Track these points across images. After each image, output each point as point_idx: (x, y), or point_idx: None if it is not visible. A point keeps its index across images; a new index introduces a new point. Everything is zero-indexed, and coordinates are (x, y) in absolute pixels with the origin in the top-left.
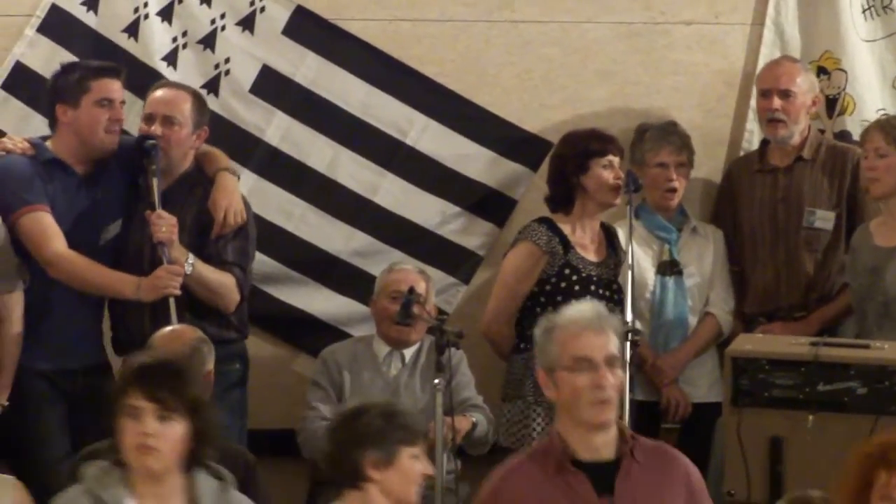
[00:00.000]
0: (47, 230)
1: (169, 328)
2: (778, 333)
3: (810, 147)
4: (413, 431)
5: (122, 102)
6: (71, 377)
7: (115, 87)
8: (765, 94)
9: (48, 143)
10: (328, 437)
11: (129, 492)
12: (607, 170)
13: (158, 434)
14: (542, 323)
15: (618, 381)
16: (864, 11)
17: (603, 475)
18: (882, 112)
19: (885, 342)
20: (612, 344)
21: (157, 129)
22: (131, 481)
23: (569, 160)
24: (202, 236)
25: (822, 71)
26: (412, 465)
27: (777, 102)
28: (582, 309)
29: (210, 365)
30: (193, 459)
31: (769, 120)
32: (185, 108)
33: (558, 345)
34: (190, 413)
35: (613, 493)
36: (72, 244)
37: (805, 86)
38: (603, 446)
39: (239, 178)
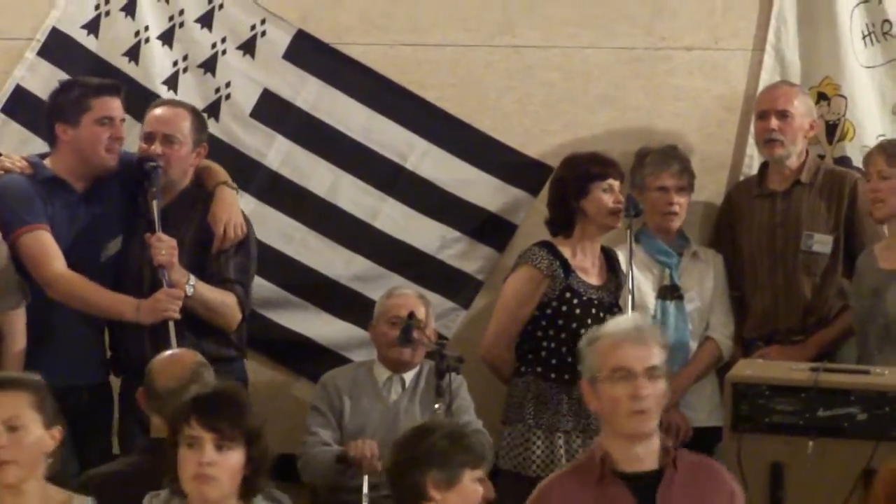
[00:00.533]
0: (47, 250)
1: (168, 352)
2: (775, 357)
3: (808, 171)
4: (477, 454)
5: (123, 120)
6: (76, 394)
7: (115, 105)
8: (762, 116)
9: (46, 161)
10: (393, 452)
11: None
12: (607, 193)
13: (216, 463)
14: (587, 335)
15: (658, 391)
16: (864, 38)
17: (644, 486)
18: (882, 137)
19: (885, 368)
20: (655, 356)
21: (157, 148)
22: None
23: (569, 183)
24: (202, 253)
25: (822, 97)
26: (474, 488)
27: (774, 123)
28: (623, 321)
29: None
30: (250, 487)
31: (766, 140)
32: (185, 126)
33: (599, 356)
34: (246, 442)
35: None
36: (73, 261)
37: (802, 108)
38: (645, 457)
39: (238, 191)
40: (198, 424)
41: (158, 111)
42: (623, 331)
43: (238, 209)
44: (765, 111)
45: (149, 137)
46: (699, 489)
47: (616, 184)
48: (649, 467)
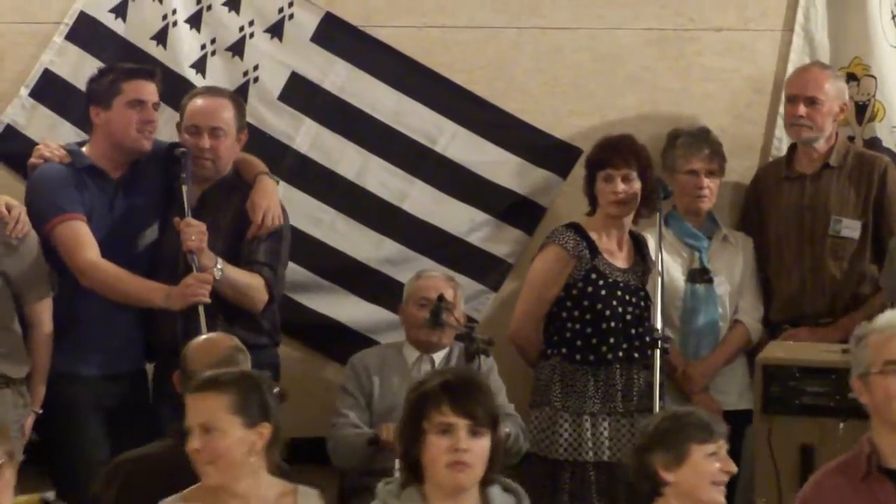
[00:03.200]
0: (81, 239)
1: (204, 337)
2: (804, 339)
3: (837, 155)
4: (706, 428)
5: (156, 104)
6: (116, 382)
7: (147, 89)
8: (791, 100)
9: (84, 149)
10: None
11: None
12: (605, 182)
13: (471, 449)
14: (857, 331)
15: None
16: (893, 17)
17: None
18: None
19: None
20: None
21: (205, 142)
22: (428, 497)
23: (585, 167)
24: (239, 240)
25: (851, 77)
26: (706, 462)
27: (802, 109)
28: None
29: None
30: (489, 475)
31: (793, 125)
32: (228, 116)
33: (871, 349)
34: (493, 428)
35: None
36: (109, 250)
37: (833, 92)
38: None
39: (278, 182)
40: (451, 411)
41: (200, 102)
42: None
43: (277, 199)
44: (794, 95)
45: (194, 131)
46: None
47: (617, 173)
48: None
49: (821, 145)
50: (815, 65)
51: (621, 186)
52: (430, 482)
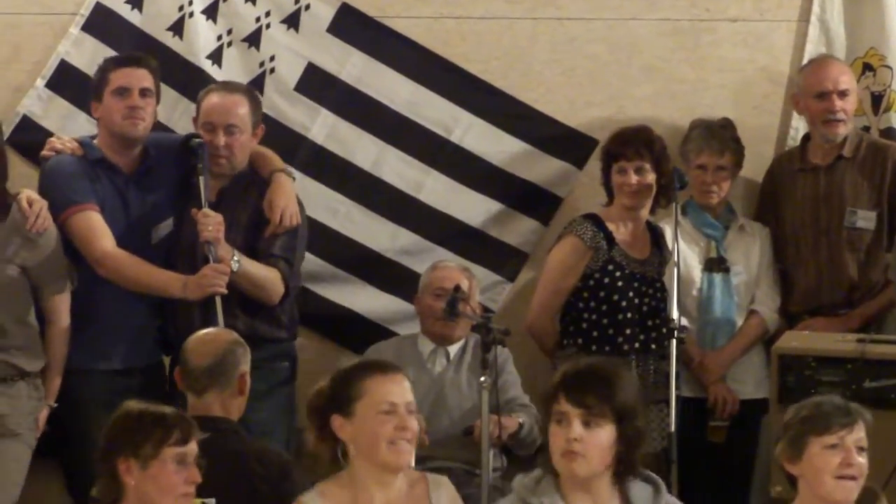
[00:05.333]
0: (96, 229)
1: (203, 331)
2: (820, 329)
3: (850, 145)
4: (824, 419)
5: (146, 90)
6: (132, 376)
7: (132, 76)
8: (822, 97)
9: (96, 142)
10: None
11: (563, 499)
12: (619, 175)
13: (584, 439)
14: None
15: None
16: None
17: None
18: None
19: None
20: None
21: (220, 139)
22: (564, 488)
23: (601, 158)
24: (255, 235)
25: (867, 67)
26: (825, 456)
27: (839, 104)
28: None
29: (245, 367)
30: (625, 466)
31: (828, 121)
32: (243, 112)
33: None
34: (617, 419)
35: None
36: (124, 243)
37: (854, 83)
38: None
39: (294, 179)
40: (565, 400)
41: (215, 98)
42: None
43: (294, 197)
44: (825, 92)
45: (210, 128)
46: None
47: (629, 165)
48: None
49: (841, 136)
50: (830, 58)
51: (634, 178)
52: (559, 472)
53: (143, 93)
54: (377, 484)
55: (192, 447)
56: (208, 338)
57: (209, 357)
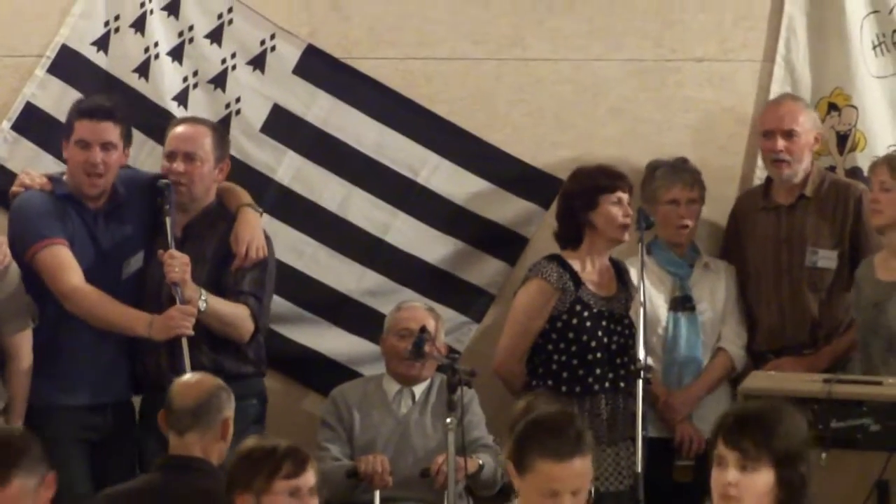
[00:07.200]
0: (64, 264)
1: (188, 375)
2: (788, 368)
3: (812, 184)
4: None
5: (108, 144)
6: (100, 413)
7: (94, 130)
8: (767, 135)
9: (65, 178)
10: None
11: None
12: (616, 206)
13: (739, 483)
14: None
15: None
16: (874, 48)
17: None
18: (893, 147)
19: None
20: None
21: (178, 165)
22: None
23: (578, 196)
24: (222, 270)
25: (832, 107)
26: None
27: (781, 143)
28: None
29: (228, 412)
30: None
31: (773, 161)
32: (206, 143)
33: None
34: (776, 463)
35: None
36: (94, 277)
37: (808, 124)
38: None
39: (262, 214)
40: (723, 443)
41: (179, 129)
42: None
43: (261, 231)
44: (770, 131)
45: (171, 156)
46: None
47: (625, 196)
48: None
49: (798, 177)
50: (788, 97)
51: (630, 210)
52: None
53: (105, 147)
54: None
55: (307, 479)
56: (194, 381)
57: (193, 399)
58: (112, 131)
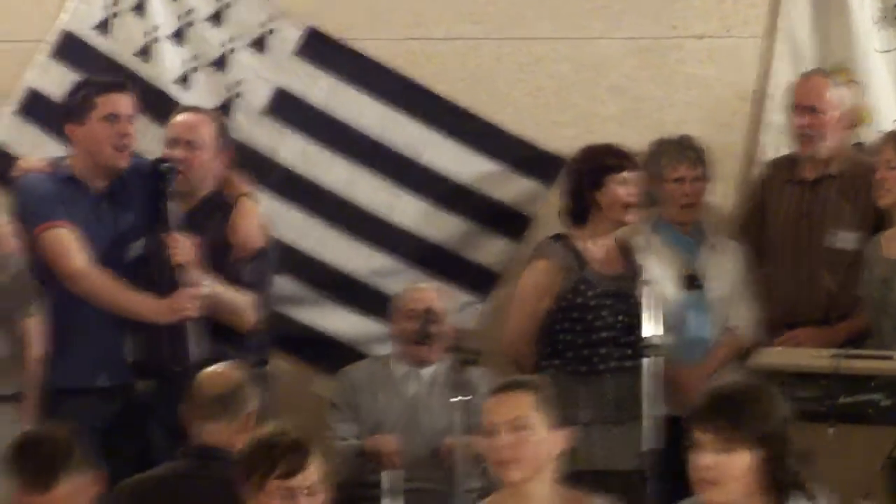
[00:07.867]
0: (69, 245)
1: (213, 367)
2: (805, 340)
3: (837, 162)
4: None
5: (131, 117)
6: (110, 396)
7: (121, 102)
8: (794, 110)
9: (67, 162)
10: None
11: None
12: (622, 186)
13: (717, 466)
14: None
15: None
16: (877, 22)
17: None
18: None
19: None
20: None
21: (179, 153)
22: None
23: (585, 174)
24: (221, 258)
25: None
26: None
27: (805, 119)
28: None
29: (254, 406)
30: (781, 485)
31: (798, 136)
32: (207, 131)
33: None
34: (754, 444)
35: None
36: (99, 259)
37: (834, 101)
38: None
39: (258, 203)
40: (697, 426)
41: (181, 117)
42: None
43: (257, 222)
44: (796, 105)
45: (172, 143)
46: None
47: (631, 176)
48: None
49: (822, 154)
50: (817, 73)
51: (636, 190)
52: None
53: (129, 119)
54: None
55: (305, 478)
56: (217, 374)
57: (220, 388)
58: (134, 104)
